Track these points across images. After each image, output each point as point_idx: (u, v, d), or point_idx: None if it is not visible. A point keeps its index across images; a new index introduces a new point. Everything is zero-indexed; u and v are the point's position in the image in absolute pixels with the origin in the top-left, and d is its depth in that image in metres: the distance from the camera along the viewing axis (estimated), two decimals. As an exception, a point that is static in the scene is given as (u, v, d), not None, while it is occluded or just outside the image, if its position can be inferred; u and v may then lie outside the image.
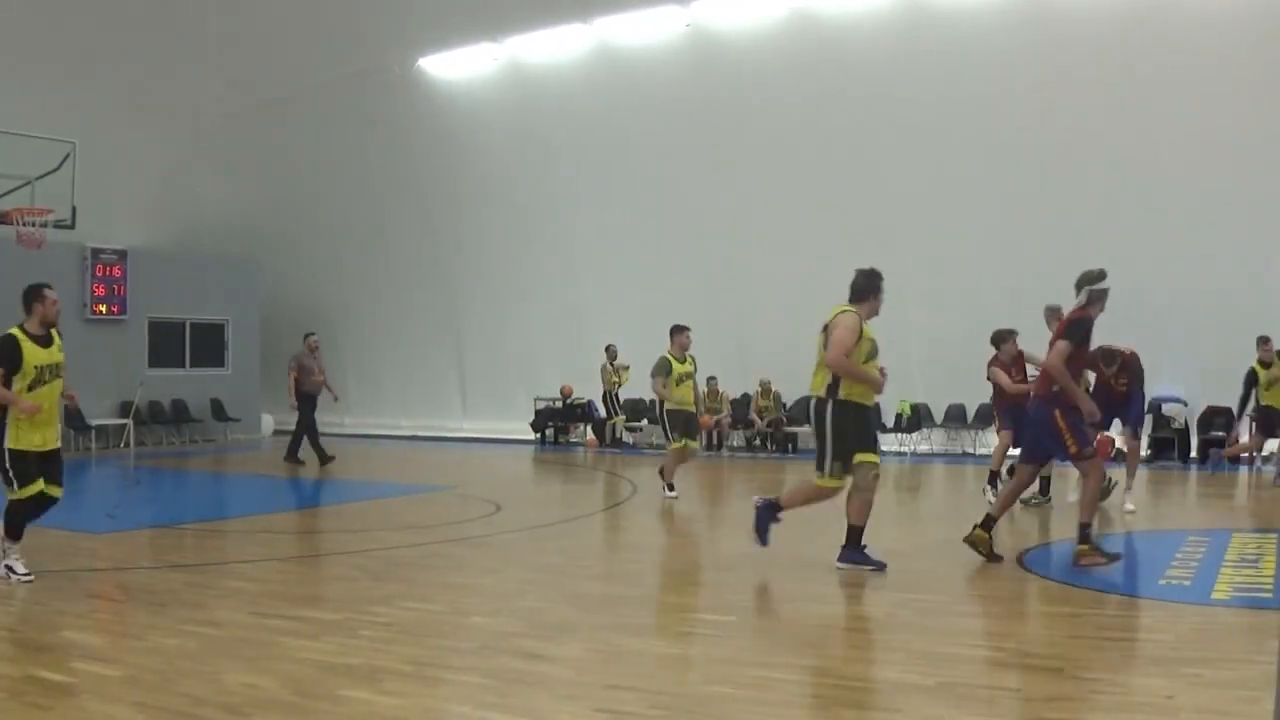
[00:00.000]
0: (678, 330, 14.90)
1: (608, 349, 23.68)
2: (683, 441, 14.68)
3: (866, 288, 9.46)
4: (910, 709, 5.60)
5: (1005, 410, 13.44)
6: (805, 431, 19.45)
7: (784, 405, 22.85)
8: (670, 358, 14.69)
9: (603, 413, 24.69)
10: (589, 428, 25.46)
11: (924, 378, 21.66)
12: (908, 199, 21.32)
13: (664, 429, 15.07)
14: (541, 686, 6.07)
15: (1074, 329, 9.40)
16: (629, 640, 7.10)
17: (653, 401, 21.27)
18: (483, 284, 27.31)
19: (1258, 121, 18.35)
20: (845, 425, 9.20)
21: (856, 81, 21.21)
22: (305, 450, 19.85)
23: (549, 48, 24.57)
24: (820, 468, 9.32)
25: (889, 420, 21.47)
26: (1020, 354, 13.43)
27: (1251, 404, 16.05)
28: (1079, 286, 9.59)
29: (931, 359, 21.31)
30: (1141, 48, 18.85)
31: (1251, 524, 12.33)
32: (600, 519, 13.98)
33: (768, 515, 9.69)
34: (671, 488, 14.76)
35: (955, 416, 21.99)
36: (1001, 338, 13.53)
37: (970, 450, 21.62)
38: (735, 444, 23.79)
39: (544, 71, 24.83)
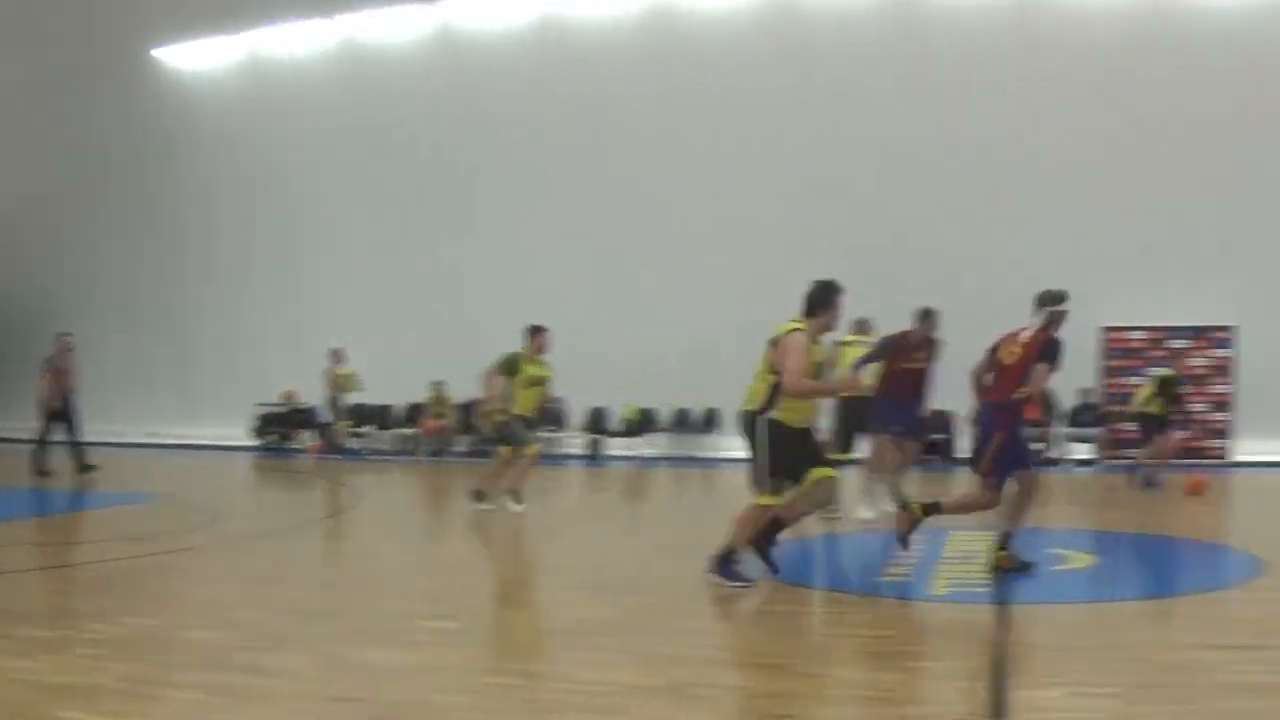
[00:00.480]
0: (536, 331, 13.57)
1: (332, 352, 23.06)
2: (512, 449, 13.52)
3: (821, 301, 8.80)
4: (637, 710, 5.61)
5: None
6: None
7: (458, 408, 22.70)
8: (521, 356, 13.39)
9: (327, 418, 24.05)
10: (315, 433, 24.76)
11: (649, 381, 22.00)
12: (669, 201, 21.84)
13: (511, 434, 13.53)
14: (264, 701, 5.82)
15: (1051, 350, 9.27)
16: (353, 650, 6.89)
17: (384, 407, 20.91)
18: (212, 285, 26.33)
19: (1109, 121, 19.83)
20: (779, 443, 8.61)
21: (594, 82, 21.59)
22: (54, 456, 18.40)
23: (291, 42, 24.22)
24: (758, 484, 8.68)
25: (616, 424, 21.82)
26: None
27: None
28: (1040, 305, 9.46)
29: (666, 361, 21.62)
30: (1010, 46, 20.10)
31: (969, 523, 12.83)
32: (321, 527, 13.61)
33: (729, 567, 8.69)
34: (514, 501, 13.30)
35: (682, 421, 22.37)
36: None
37: (698, 454, 21.92)
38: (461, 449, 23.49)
39: (284, 66, 24.35)
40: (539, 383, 13.53)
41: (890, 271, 18.36)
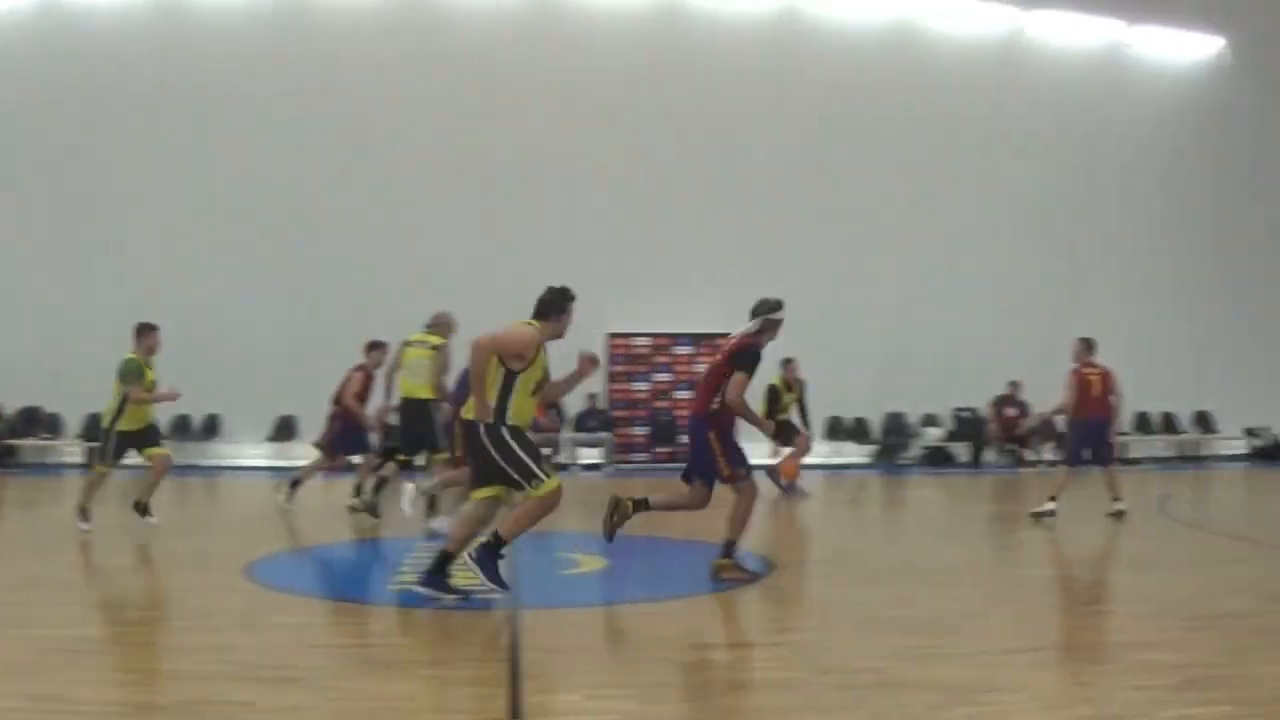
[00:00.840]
0: (146, 330, 12.13)
1: None
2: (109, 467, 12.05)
3: (556, 307, 8.31)
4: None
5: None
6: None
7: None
8: (138, 360, 11.95)
9: None
10: None
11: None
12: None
13: (104, 448, 12.05)
14: None
15: (745, 358, 9.09)
16: None
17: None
18: None
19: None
20: (521, 439, 8.02)
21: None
22: None
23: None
24: (529, 481, 7.96)
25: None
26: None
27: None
28: (755, 314, 9.32)
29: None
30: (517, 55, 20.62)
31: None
32: None
33: (491, 558, 8.02)
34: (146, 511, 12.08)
35: (183, 428, 20.72)
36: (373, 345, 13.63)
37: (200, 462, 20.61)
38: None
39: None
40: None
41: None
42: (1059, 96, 23.10)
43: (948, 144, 22.32)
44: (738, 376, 8.98)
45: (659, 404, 21.69)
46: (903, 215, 22.21)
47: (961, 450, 22.42)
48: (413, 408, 12.51)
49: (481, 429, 7.95)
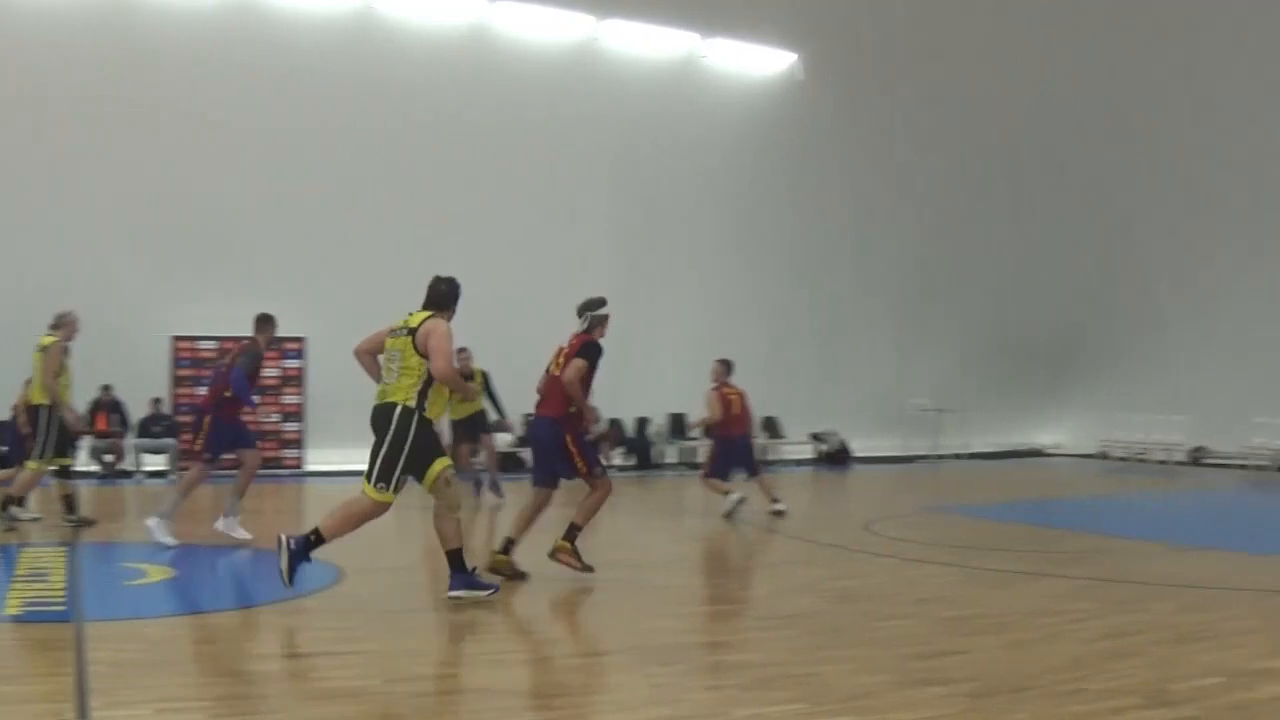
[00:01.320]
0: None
1: None
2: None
3: (454, 296, 8.94)
4: None
5: None
6: None
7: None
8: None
9: None
10: None
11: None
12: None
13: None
14: None
15: (591, 350, 9.75)
16: None
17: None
18: None
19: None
20: (425, 442, 8.46)
21: None
22: None
23: None
24: (382, 480, 8.34)
25: None
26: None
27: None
28: (582, 313, 9.94)
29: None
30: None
31: (47, 537, 12.11)
32: None
33: (302, 552, 8.30)
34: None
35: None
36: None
37: None
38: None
39: None
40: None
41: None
42: (634, 105, 23.44)
43: (517, 152, 22.22)
44: (577, 362, 9.67)
45: (226, 410, 20.99)
46: (478, 225, 21.84)
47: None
48: (33, 413, 12.37)
49: (401, 412, 8.39)
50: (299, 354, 21.09)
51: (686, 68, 24.58)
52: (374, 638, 7.56)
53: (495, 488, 16.72)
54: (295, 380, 21.18)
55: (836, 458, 25.73)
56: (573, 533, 9.82)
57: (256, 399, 12.29)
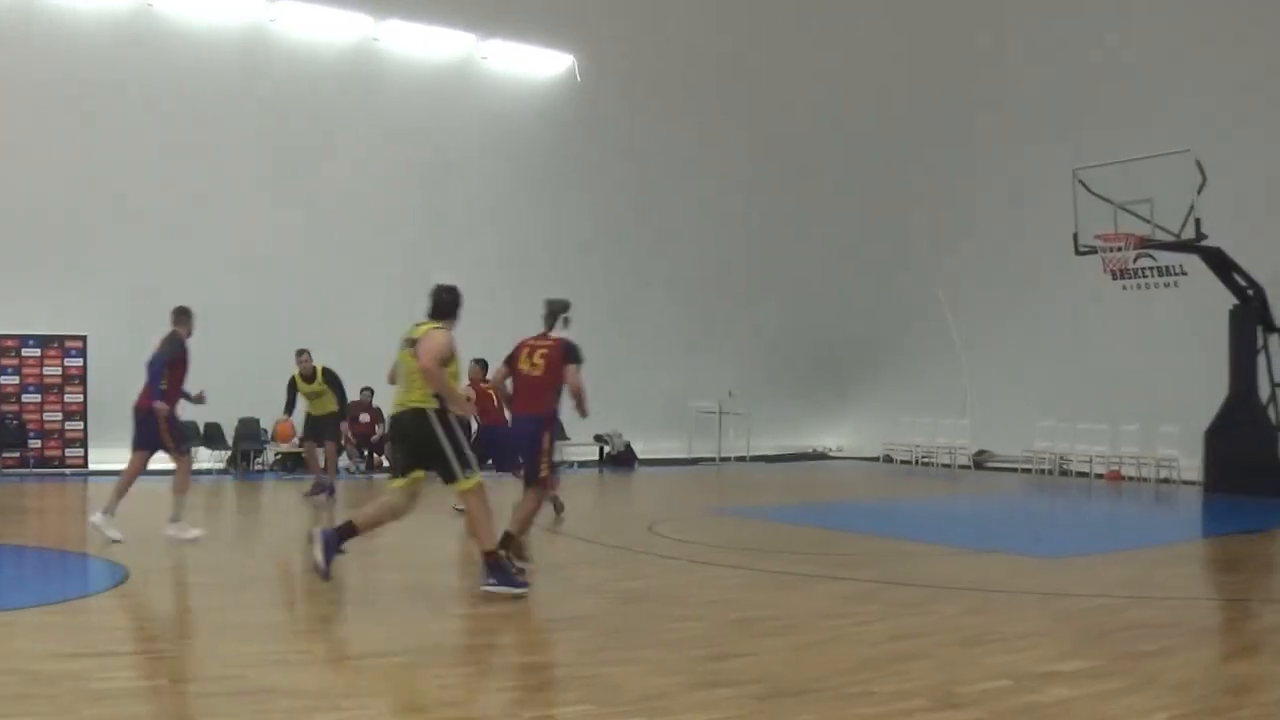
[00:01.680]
0: None
1: None
2: None
3: (456, 304, 9.40)
4: None
5: None
6: None
7: None
8: None
9: None
10: None
11: None
12: None
13: None
14: None
15: (577, 352, 10.34)
16: None
17: None
18: None
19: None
20: (455, 431, 9.00)
21: None
22: None
23: None
24: (466, 468, 9.01)
25: None
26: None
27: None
28: (555, 314, 10.57)
29: None
30: None
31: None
32: None
33: (336, 542, 9.01)
34: None
35: None
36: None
37: None
38: None
39: None
40: None
41: None
42: (413, 104, 23.52)
43: (291, 154, 22.14)
44: (570, 368, 10.21)
45: (7, 408, 20.42)
46: (249, 226, 21.67)
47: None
48: None
49: (433, 415, 8.90)
50: (80, 353, 20.60)
51: (464, 69, 24.73)
52: (161, 638, 7.54)
53: (329, 490, 16.88)
54: (77, 379, 20.67)
55: (621, 459, 25.88)
56: (507, 542, 10.02)
57: (163, 386, 12.03)
